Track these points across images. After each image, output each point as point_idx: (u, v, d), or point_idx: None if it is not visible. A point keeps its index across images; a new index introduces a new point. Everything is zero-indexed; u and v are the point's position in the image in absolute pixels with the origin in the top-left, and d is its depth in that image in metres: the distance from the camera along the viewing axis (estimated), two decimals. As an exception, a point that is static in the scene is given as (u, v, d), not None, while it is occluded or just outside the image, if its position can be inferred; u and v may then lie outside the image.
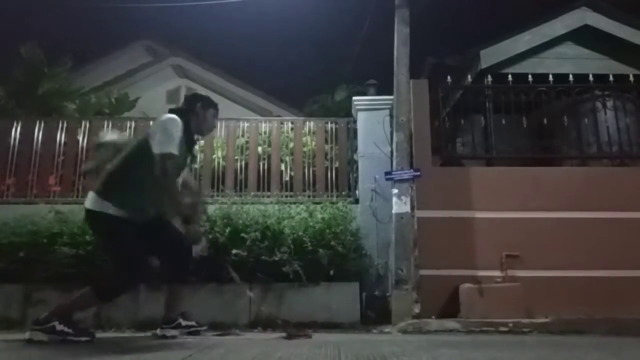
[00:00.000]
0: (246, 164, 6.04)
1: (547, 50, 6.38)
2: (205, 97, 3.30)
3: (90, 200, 2.95)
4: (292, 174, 6.00)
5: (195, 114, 3.16)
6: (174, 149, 2.88)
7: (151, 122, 6.22)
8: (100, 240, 3.40)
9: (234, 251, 4.50)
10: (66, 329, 2.84)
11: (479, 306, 4.23)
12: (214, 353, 2.35)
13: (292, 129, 6.24)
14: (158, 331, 3.23)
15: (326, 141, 6.10)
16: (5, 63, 7.54)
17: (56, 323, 2.85)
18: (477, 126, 5.60)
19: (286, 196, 5.81)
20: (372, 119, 5.83)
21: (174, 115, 3.01)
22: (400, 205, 4.85)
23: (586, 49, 6.39)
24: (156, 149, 2.88)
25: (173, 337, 3.13)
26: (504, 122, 5.30)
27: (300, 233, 4.69)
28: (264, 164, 6.00)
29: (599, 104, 5.68)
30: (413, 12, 5.48)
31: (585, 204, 4.84)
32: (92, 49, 11.18)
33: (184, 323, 3.21)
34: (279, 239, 4.64)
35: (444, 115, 5.69)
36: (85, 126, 6.14)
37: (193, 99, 3.25)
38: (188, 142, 3.11)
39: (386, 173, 5.09)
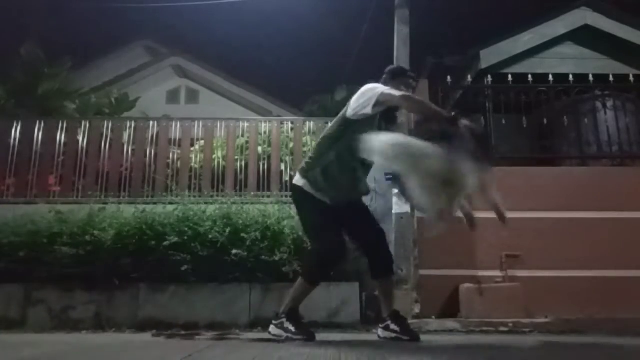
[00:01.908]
0: (246, 164, 6.04)
1: (547, 50, 6.39)
2: (394, 67, 3.20)
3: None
4: (292, 174, 6.00)
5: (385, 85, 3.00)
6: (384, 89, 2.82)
7: (151, 122, 6.27)
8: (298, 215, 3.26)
9: (234, 251, 4.50)
10: (290, 327, 2.87)
11: (479, 306, 4.23)
12: (213, 353, 2.35)
13: (292, 129, 6.24)
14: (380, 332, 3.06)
15: (326, 141, 6.09)
16: (5, 63, 7.54)
17: (284, 320, 2.91)
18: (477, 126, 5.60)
19: (286, 196, 5.81)
20: (372, 119, 5.82)
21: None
22: (400, 205, 4.85)
23: (586, 48, 6.40)
24: (368, 102, 2.83)
25: (384, 339, 2.97)
26: (504, 122, 5.30)
27: (300, 233, 4.68)
28: (264, 164, 6.00)
29: (599, 104, 5.68)
30: (413, 12, 5.48)
31: (585, 204, 4.84)
32: (92, 49, 11.20)
33: (391, 327, 2.96)
34: (279, 239, 4.63)
35: (444, 115, 5.69)
36: (85, 126, 6.13)
37: (384, 75, 3.15)
38: (388, 121, 3.01)
39: (386, 173, 5.08)
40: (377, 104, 2.81)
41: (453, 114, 2.71)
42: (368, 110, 2.83)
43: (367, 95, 2.86)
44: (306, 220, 3.11)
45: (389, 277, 3.09)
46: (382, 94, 2.81)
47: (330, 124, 3.12)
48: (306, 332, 2.88)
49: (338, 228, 2.93)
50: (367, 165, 3.06)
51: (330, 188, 2.91)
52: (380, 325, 3.04)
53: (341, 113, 3.03)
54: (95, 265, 4.49)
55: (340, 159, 2.91)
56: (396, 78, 3.12)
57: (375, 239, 3.07)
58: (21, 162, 5.96)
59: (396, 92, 2.82)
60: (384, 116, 2.96)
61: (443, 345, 2.82)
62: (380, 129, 2.93)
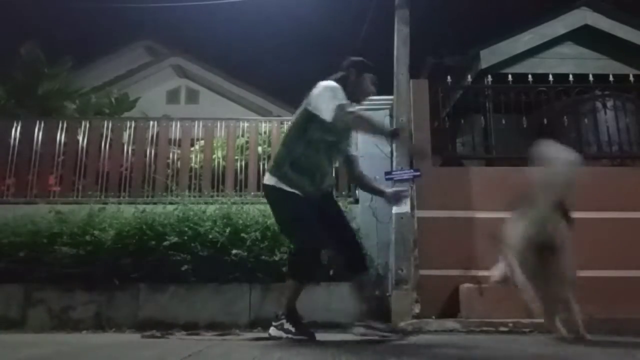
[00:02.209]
0: (246, 164, 6.04)
1: (547, 50, 6.38)
2: (359, 61, 3.11)
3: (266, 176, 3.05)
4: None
5: (349, 80, 2.99)
6: (343, 102, 2.81)
7: (151, 122, 6.27)
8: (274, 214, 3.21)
9: (234, 251, 4.51)
10: (290, 327, 2.87)
11: (479, 306, 4.22)
12: (213, 353, 2.35)
13: (292, 129, 6.24)
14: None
15: (326, 141, 6.09)
16: (5, 63, 7.54)
17: (284, 321, 2.90)
18: (477, 126, 5.60)
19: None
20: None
21: (335, 83, 2.94)
22: (400, 205, 4.85)
23: (586, 48, 6.39)
24: (331, 104, 2.79)
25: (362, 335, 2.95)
26: (504, 122, 5.29)
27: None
28: (263, 164, 6.00)
29: (599, 104, 5.68)
30: (413, 12, 5.48)
31: (585, 204, 4.83)
32: (92, 49, 11.21)
33: (374, 324, 2.92)
34: (279, 239, 4.64)
35: (444, 115, 5.69)
36: (85, 126, 6.14)
37: (347, 64, 3.08)
38: None
39: (386, 173, 5.09)
40: (333, 118, 2.81)
41: (394, 129, 2.79)
42: (327, 118, 2.82)
43: (327, 104, 2.82)
44: (283, 216, 3.04)
45: (366, 273, 3.13)
46: (339, 108, 2.79)
47: (293, 118, 3.10)
48: (306, 332, 2.88)
49: (316, 220, 2.89)
50: (333, 157, 3.09)
51: (302, 181, 2.89)
52: (358, 323, 2.96)
53: (303, 107, 2.99)
54: (95, 265, 4.50)
55: (308, 151, 2.91)
56: (362, 73, 3.07)
57: (352, 235, 3.10)
58: (21, 162, 5.96)
59: (350, 111, 2.81)
60: None
61: (443, 344, 2.82)
62: (333, 130, 2.93)
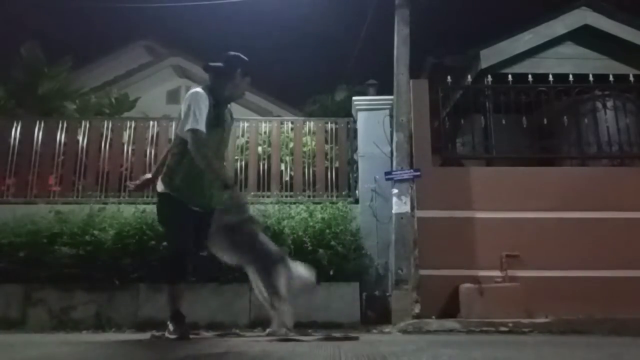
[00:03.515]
0: (246, 164, 6.04)
1: (547, 50, 6.38)
2: (246, 62, 3.22)
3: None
4: (292, 174, 6.00)
5: (233, 78, 3.15)
6: (199, 125, 2.93)
7: (151, 122, 6.27)
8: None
9: (234, 251, 4.50)
10: (171, 327, 2.97)
11: (479, 306, 4.23)
12: (213, 353, 2.35)
13: (292, 129, 6.24)
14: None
15: (326, 141, 6.10)
16: (5, 63, 7.53)
17: (168, 322, 3.00)
18: (477, 126, 5.60)
19: (286, 196, 5.81)
20: (372, 119, 5.83)
21: (196, 90, 3.09)
22: (400, 205, 4.85)
23: (586, 48, 6.39)
24: (186, 127, 2.95)
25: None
26: (504, 122, 5.30)
27: (300, 233, 4.69)
28: (264, 164, 6.01)
29: (599, 104, 5.68)
30: (413, 12, 5.48)
31: (585, 204, 4.84)
32: (92, 49, 11.20)
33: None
34: (279, 239, 4.63)
35: (444, 115, 5.69)
36: (85, 126, 6.14)
37: (235, 62, 3.18)
38: (218, 106, 3.11)
39: (386, 173, 5.09)
40: (189, 139, 2.95)
41: (226, 183, 2.98)
42: (186, 137, 2.97)
43: (186, 121, 2.97)
44: (162, 217, 3.18)
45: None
46: (192, 132, 2.92)
47: (179, 127, 3.19)
48: (182, 332, 2.93)
49: (191, 226, 3.02)
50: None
51: (191, 192, 3.01)
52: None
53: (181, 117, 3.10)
54: (95, 265, 4.50)
55: (194, 163, 2.98)
56: (245, 75, 3.21)
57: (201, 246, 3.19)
58: (21, 162, 5.96)
59: (200, 143, 2.92)
60: (216, 117, 3.09)
61: (443, 344, 2.82)
62: (217, 126, 3.07)
